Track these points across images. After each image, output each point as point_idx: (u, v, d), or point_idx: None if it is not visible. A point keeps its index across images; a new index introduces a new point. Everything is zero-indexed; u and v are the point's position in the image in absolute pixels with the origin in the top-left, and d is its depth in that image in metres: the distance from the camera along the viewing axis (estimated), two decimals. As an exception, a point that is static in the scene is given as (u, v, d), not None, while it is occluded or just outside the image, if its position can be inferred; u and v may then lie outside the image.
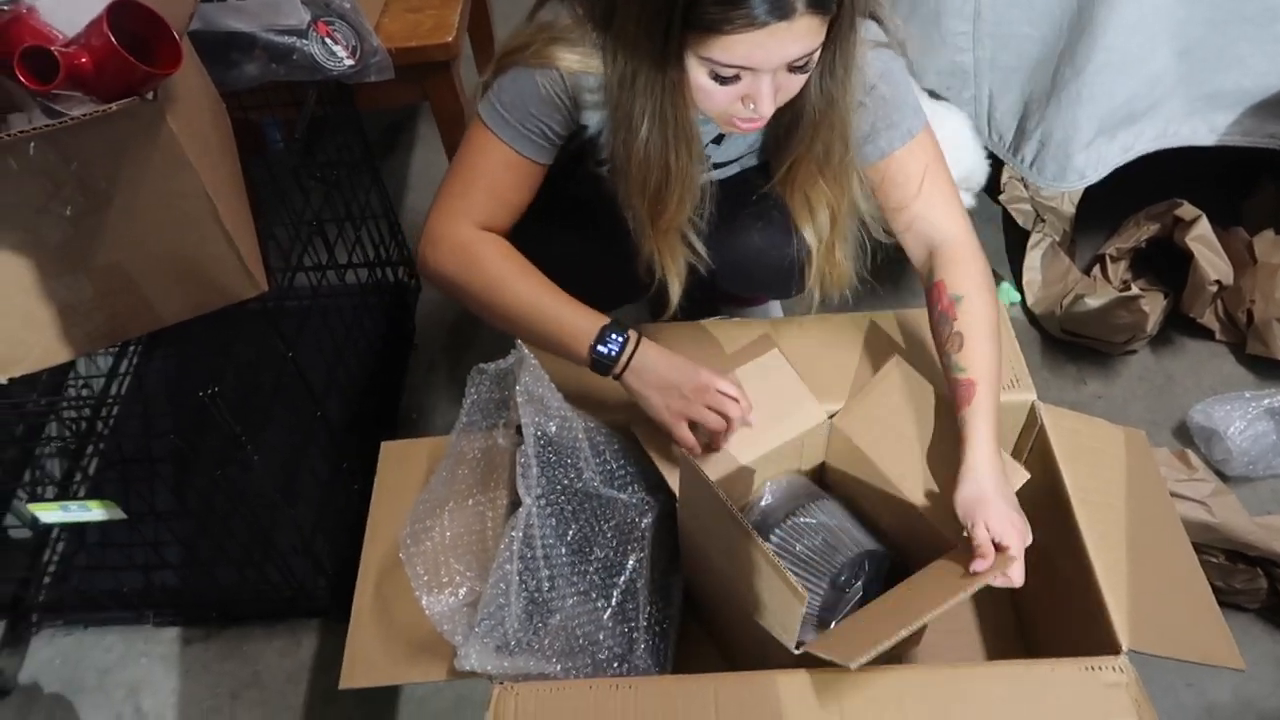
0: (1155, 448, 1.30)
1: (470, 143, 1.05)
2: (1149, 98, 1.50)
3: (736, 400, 1.02)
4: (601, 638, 1.01)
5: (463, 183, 1.05)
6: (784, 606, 0.90)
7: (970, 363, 1.02)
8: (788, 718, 0.89)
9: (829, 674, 0.90)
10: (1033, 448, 1.15)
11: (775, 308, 1.60)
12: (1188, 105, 1.53)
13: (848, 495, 1.18)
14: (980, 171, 1.62)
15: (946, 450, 1.04)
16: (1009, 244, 1.83)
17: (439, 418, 1.63)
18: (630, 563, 1.05)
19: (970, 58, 1.57)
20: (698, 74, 0.89)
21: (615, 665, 1.01)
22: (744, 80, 0.88)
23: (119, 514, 1.18)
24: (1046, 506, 1.08)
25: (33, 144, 0.85)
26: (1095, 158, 1.56)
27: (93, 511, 1.18)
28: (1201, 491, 1.32)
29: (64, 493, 1.49)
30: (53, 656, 1.39)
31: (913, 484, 1.07)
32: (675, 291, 1.10)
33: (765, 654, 0.98)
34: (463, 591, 0.98)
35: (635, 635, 1.04)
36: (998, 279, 1.75)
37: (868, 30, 1.00)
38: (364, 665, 1.01)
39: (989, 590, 0.95)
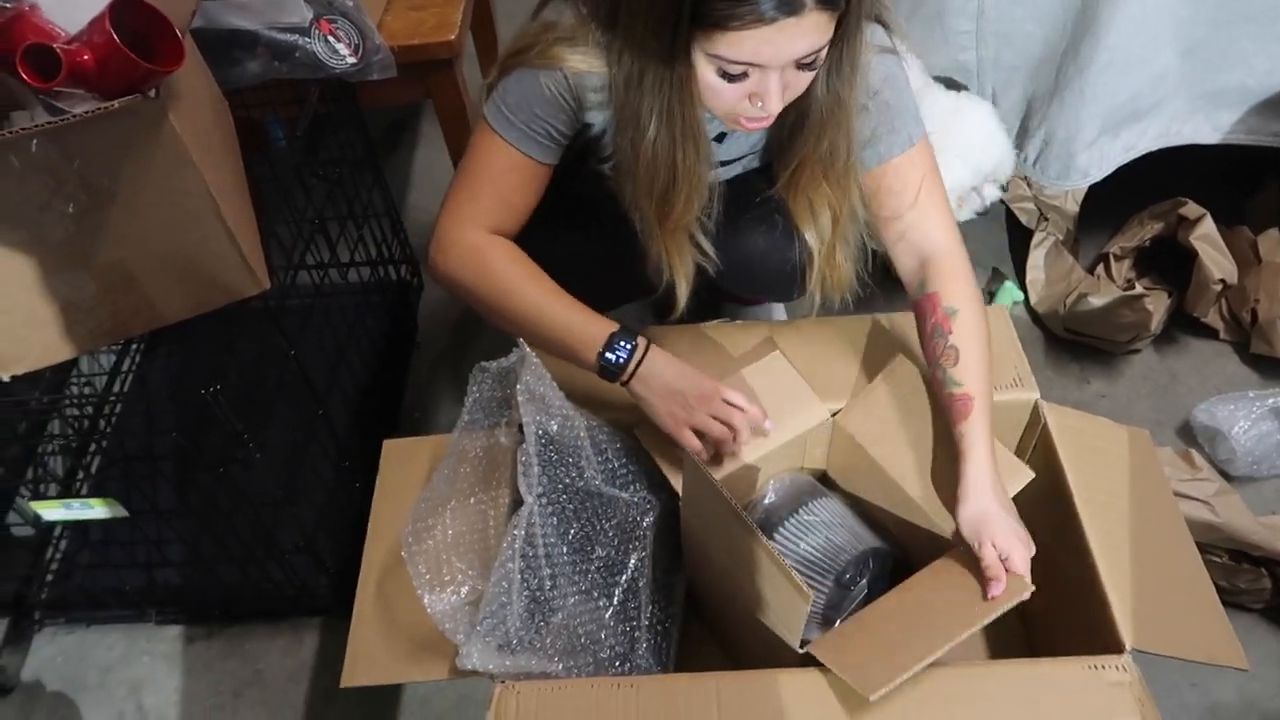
0: (1159, 447, 1.30)
1: (476, 146, 1.05)
2: (1152, 96, 1.50)
3: (744, 410, 1.01)
4: (603, 636, 1.01)
5: (470, 186, 1.06)
6: (788, 605, 0.90)
7: (966, 377, 1.02)
8: (790, 717, 0.89)
9: (832, 673, 0.90)
10: (1036, 447, 1.15)
11: (778, 309, 1.60)
12: (1191, 104, 1.53)
13: (851, 493, 1.18)
14: (1008, 163, 1.58)
15: (949, 449, 1.03)
16: (1012, 242, 1.82)
17: (441, 416, 1.63)
18: (632, 561, 1.05)
19: (973, 56, 1.57)
20: (705, 71, 0.88)
21: (617, 664, 1.01)
22: (752, 78, 0.88)
23: (121, 512, 1.18)
24: (1050, 506, 1.08)
25: (35, 141, 0.85)
26: (1098, 156, 1.56)
27: (95, 509, 1.18)
28: (1205, 491, 1.31)
29: (66, 490, 1.49)
30: (55, 654, 1.39)
31: (915, 481, 1.06)
32: (683, 293, 1.09)
33: (768, 653, 0.98)
34: (464, 590, 0.98)
35: (637, 634, 1.04)
36: (1001, 277, 1.75)
37: (873, 35, 1.00)
38: (366, 664, 1.01)
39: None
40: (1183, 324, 1.65)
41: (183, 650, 1.38)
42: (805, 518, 1.11)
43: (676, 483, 1.05)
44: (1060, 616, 1.10)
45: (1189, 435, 1.52)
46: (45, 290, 0.98)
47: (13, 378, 1.02)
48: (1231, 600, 1.30)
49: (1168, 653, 0.95)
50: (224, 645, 1.38)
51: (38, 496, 1.38)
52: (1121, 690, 0.89)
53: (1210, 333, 1.64)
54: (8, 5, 0.87)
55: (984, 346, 1.04)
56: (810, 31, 0.84)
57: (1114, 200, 1.69)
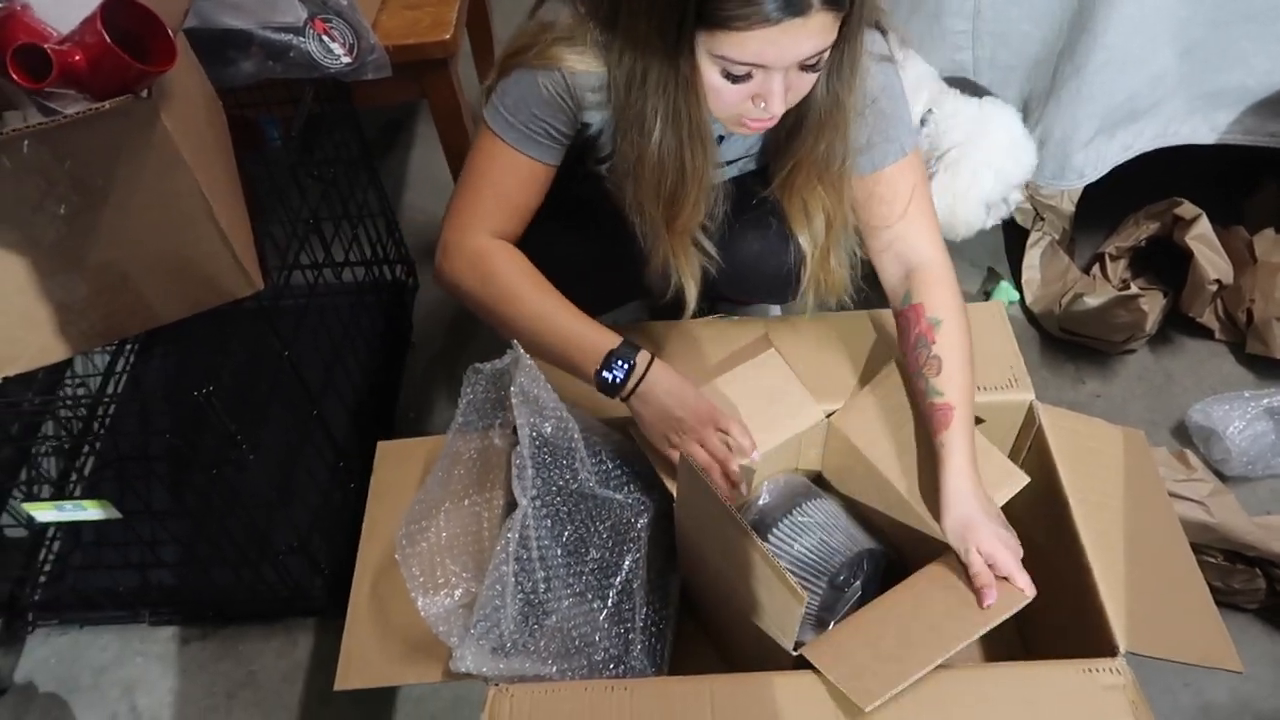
0: (1154, 447, 1.30)
1: (477, 150, 1.05)
2: (1150, 96, 1.50)
3: (736, 442, 1.02)
4: (597, 639, 1.00)
5: (473, 191, 1.05)
6: (782, 607, 0.90)
7: (948, 387, 1.02)
8: (784, 719, 0.89)
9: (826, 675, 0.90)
10: (1031, 447, 1.15)
11: (773, 311, 1.59)
12: (1189, 104, 1.52)
13: (845, 494, 1.18)
14: (1034, 167, 1.54)
15: (935, 457, 1.03)
16: (1008, 242, 1.82)
17: (436, 417, 1.63)
18: (626, 563, 1.05)
19: (970, 56, 1.56)
20: (709, 72, 0.88)
21: (611, 666, 1.01)
22: (755, 79, 0.88)
23: (115, 513, 1.18)
24: (1044, 506, 1.08)
25: (26, 142, 0.85)
26: (1095, 156, 1.56)
27: (88, 511, 1.18)
28: (1200, 491, 1.31)
29: (60, 492, 1.49)
30: (48, 655, 1.39)
31: (910, 483, 1.06)
32: (693, 295, 1.09)
33: (763, 655, 0.98)
34: (458, 593, 0.98)
35: (631, 636, 1.03)
36: (997, 277, 1.75)
37: (872, 42, 1.00)
38: (359, 666, 1.01)
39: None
40: (1178, 324, 1.65)
41: (176, 651, 1.38)
42: (799, 519, 1.11)
43: (671, 484, 1.05)
44: (1055, 618, 1.10)
45: (1184, 435, 1.52)
46: (38, 291, 0.98)
47: (6, 379, 1.02)
48: (1226, 601, 1.30)
49: (1162, 655, 0.95)
50: (218, 646, 1.38)
51: (31, 498, 1.37)
52: (1115, 694, 0.89)
53: (1206, 333, 1.64)
54: (-1, 5, 0.86)
55: (967, 357, 1.05)
56: (815, 33, 0.84)
57: (1110, 200, 1.69)
